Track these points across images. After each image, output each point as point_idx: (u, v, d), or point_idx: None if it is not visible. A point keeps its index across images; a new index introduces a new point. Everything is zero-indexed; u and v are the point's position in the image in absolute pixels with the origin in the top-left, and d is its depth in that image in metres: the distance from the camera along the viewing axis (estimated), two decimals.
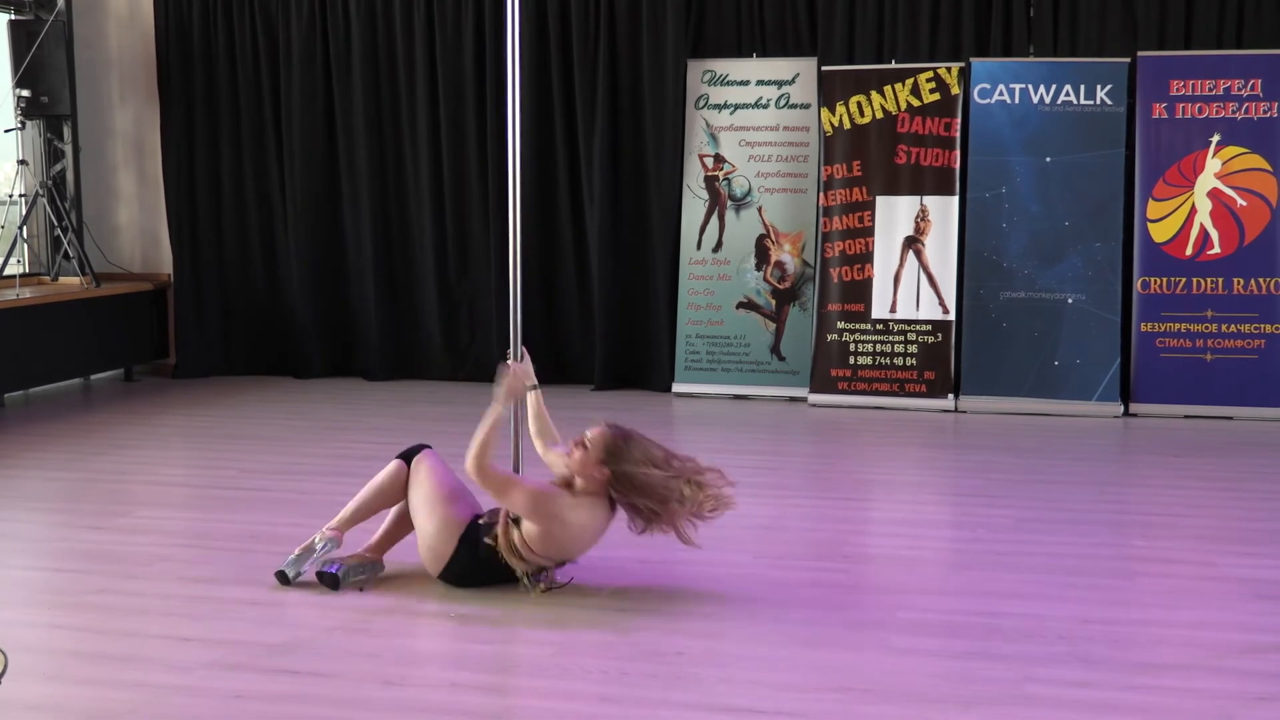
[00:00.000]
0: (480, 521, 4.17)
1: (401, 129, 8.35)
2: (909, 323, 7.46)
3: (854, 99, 7.57)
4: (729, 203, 7.89)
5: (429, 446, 4.39)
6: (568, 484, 4.10)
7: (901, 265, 7.50)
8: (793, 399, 7.69)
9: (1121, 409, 7.19)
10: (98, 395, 8.13)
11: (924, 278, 7.47)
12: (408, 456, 4.35)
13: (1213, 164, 7.22)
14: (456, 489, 4.25)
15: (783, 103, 7.85)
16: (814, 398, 7.57)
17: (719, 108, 7.92)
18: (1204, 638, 3.77)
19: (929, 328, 7.44)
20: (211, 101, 8.58)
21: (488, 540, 4.09)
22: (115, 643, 3.77)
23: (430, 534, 4.17)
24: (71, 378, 8.34)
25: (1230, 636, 3.78)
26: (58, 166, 8.39)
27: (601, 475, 4.01)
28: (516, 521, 4.07)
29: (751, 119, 7.88)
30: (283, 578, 4.22)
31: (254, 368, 8.71)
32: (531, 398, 4.47)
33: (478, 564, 4.09)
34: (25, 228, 8.28)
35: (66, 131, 8.48)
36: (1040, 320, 7.30)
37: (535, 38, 7.93)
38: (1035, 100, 7.35)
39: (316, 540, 4.28)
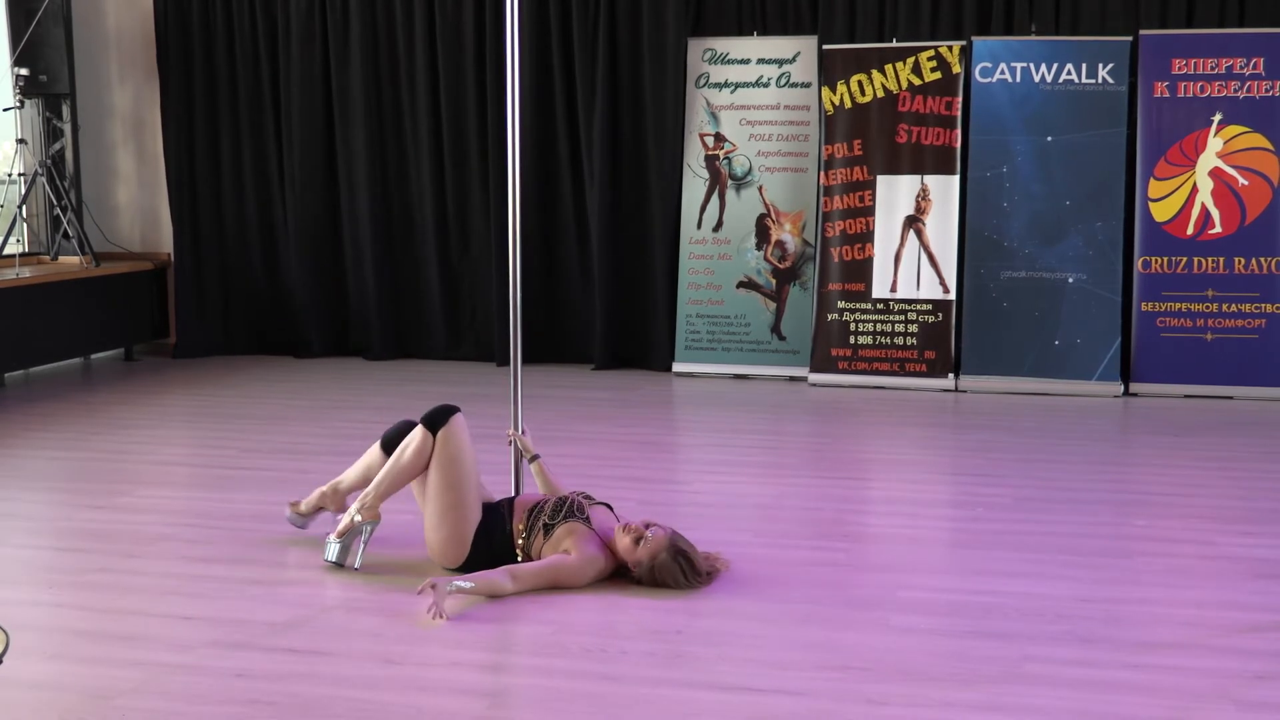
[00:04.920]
0: (499, 513, 4.14)
1: (401, 107, 8.33)
2: (909, 302, 7.46)
3: (855, 78, 7.55)
4: (729, 182, 7.87)
5: (456, 410, 4.19)
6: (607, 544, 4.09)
7: (902, 244, 7.49)
8: (793, 378, 7.69)
9: (1122, 388, 7.19)
10: (98, 375, 8.14)
11: (924, 257, 7.46)
12: (433, 424, 4.15)
13: (1214, 143, 7.20)
14: (477, 481, 4.17)
15: (783, 81, 7.83)
16: (814, 377, 7.57)
17: (719, 86, 7.90)
18: (1203, 617, 3.78)
19: (929, 307, 7.43)
20: (210, 80, 8.55)
21: (503, 536, 4.10)
22: (116, 621, 3.78)
23: (443, 537, 4.11)
24: (71, 357, 8.33)
25: (1229, 615, 3.79)
26: (57, 145, 8.37)
27: (633, 567, 4.00)
28: (547, 530, 4.05)
29: (752, 98, 7.86)
30: (337, 566, 4.18)
31: (254, 347, 8.71)
32: (535, 468, 4.44)
33: (487, 563, 4.07)
34: (24, 207, 8.26)
35: (65, 110, 8.45)
36: (1041, 300, 7.30)
37: (535, 16, 7.90)
38: (1037, 79, 7.33)
39: (356, 519, 4.18)
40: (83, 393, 7.56)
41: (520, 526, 4.09)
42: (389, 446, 4.31)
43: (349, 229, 8.46)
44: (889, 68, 7.51)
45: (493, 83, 8.01)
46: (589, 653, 3.51)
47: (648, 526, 4.01)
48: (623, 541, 4.01)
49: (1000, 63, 7.37)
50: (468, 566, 4.09)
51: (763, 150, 7.84)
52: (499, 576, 3.94)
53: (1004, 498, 5.10)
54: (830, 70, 7.60)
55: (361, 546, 4.21)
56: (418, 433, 4.17)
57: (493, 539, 4.10)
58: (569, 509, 4.08)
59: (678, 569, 3.96)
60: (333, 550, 4.21)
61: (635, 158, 8.03)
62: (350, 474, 4.46)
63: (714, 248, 7.87)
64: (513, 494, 4.39)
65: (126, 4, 8.73)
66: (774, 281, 7.80)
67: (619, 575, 4.05)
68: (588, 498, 4.19)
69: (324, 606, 3.87)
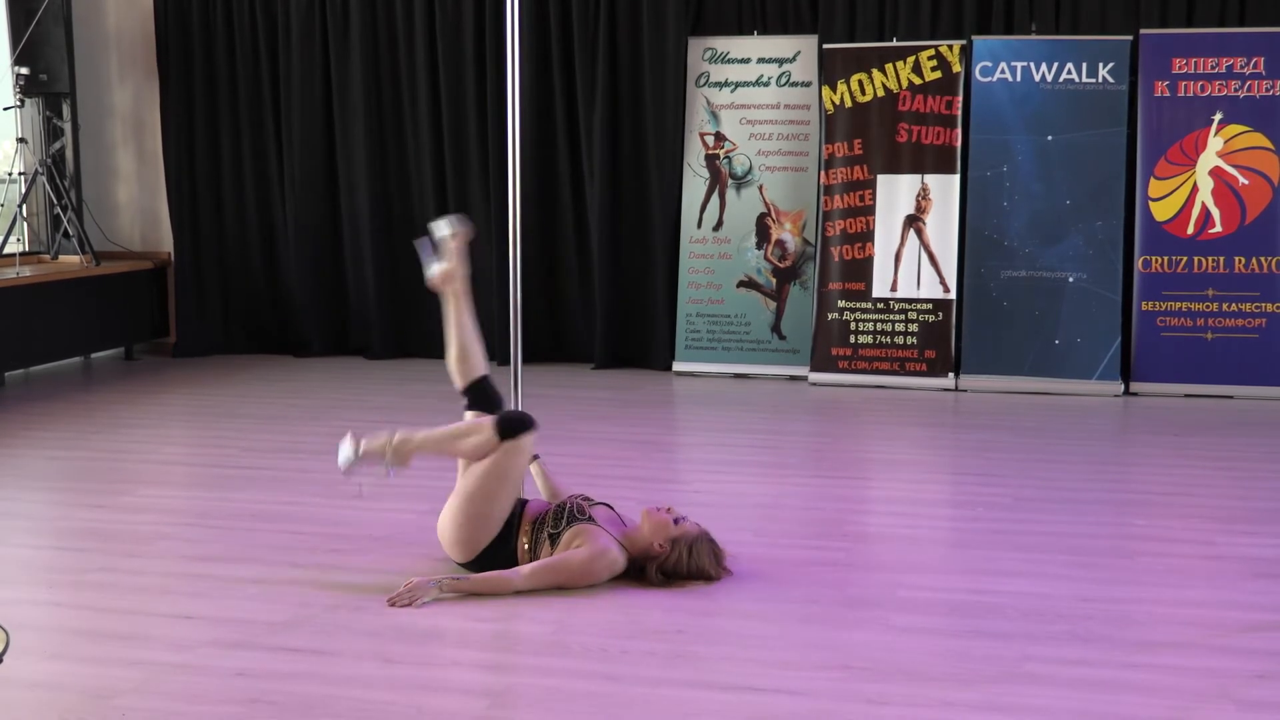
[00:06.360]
0: (510, 526, 4.10)
1: (401, 107, 8.33)
2: (910, 301, 7.46)
3: (855, 77, 7.55)
4: (730, 181, 7.87)
5: (532, 427, 4.10)
6: (623, 534, 4.09)
7: (902, 244, 7.49)
8: (793, 378, 7.69)
9: (1122, 388, 7.19)
10: (98, 374, 8.14)
11: (925, 256, 7.46)
12: (508, 432, 4.04)
13: (1214, 142, 7.20)
14: (512, 500, 4.10)
15: (784, 81, 7.83)
16: (814, 376, 7.57)
17: (720, 86, 7.89)
18: (1203, 616, 3.78)
19: (930, 306, 7.43)
20: (210, 79, 8.55)
21: (511, 546, 4.08)
22: (117, 621, 3.78)
23: (455, 538, 4.08)
24: (72, 356, 8.33)
25: (1229, 615, 3.79)
26: (57, 145, 8.37)
27: (660, 549, 4.00)
28: (553, 540, 4.03)
29: (752, 97, 7.86)
30: (345, 465, 4.08)
31: (254, 347, 8.71)
32: (534, 468, 4.40)
33: (492, 565, 4.07)
34: (25, 206, 8.26)
35: (65, 109, 8.45)
36: (1041, 299, 7.29)
37: (535, 15, 7.90)
38: (1037, 78, 7.33)
39: (388, 454, 4.07)
40: (83, 392, 7.56)
41: (525, 542, 4.07)
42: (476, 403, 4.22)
43: (349, 228, 8.45)
44: (889, 67, 7.50)
45: (493, 82, 8.01)
46: (589, 652, 3.51)
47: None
48: (657, 518, 4.02)
49: (1000, 62, 7.37)
50: (470, 567, 4.09)
51: (763, 149, 7.84)
52: (505, 574, 3.95)
53: (1004, 498, 5.10)
54: (830, 69, 7.60)
55: (373, 478, 4.19)
56: (488, 430, 4.07)
57: (499, 549, 4.08)
58: (570, 514, 4.07)
59: (709, 555, 4.03)
60: (346, 453, 4.07)
61: (635, 157, 8.03)
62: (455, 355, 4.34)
63: (714, 247, 7.87)
64: (526, 498, 4.35)
65: (126, 4, 8.73)
66: (774, 281, 7.80)
67: (623, 576, 4.04)
68: (586, 499, 4.19)
69: (324, 605, 3.87)
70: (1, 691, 3.24)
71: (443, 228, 4.40)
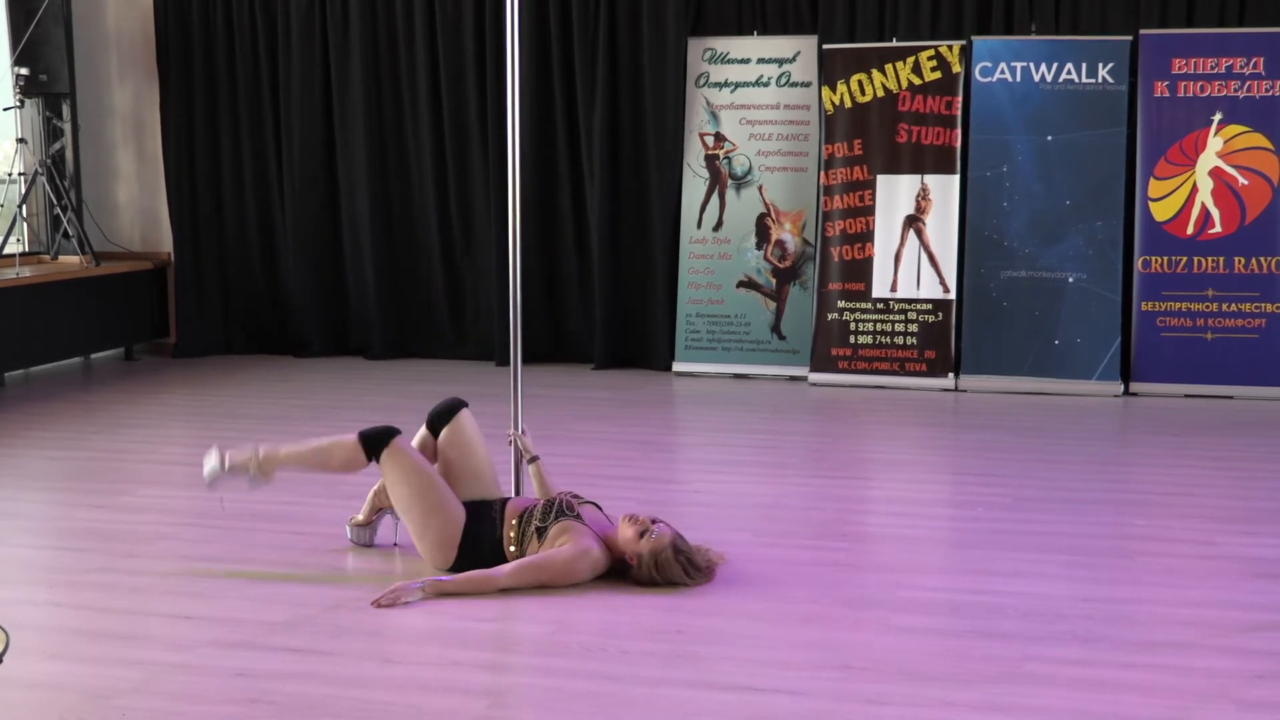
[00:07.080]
0: (489, 518, 4.11)
1: (402, 107, 8.33)
2: (909, 302, 7.46)
3: (855, 77, 7.55)
4: (729, 181, 7.87)
5: (397, 433, 4.17)
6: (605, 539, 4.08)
7: (902, 244, 7.49)
8: (793, 378, 7.69)
9: (1121, 388, 7.19)
10: (98, 374, 8.14)
11: (924, 257, 7.46)
12: (373, 446, 4.12)
13: (1214, 143, 7.20)
14: (440, 484, 4.13)
15: (783, 81, 7.83)
16: (814, 377, 7.57)
17: (719, 86, 7.89)
18: (1203, 616, 3.78)
19: (929, 307, 7.43)
20: (210, 79, 8.55)
21: (496, 540, 4.08)
22: (116, 621, 3.78)
23: (428, 544, 4.09)
24: (72, 357, 8.33)
25: (1229, 615, 3.79)
26: (57, 145, 8.37)
27: (631, 561, 4.00)
28: (540, 534, 4.03)
29: (752, 97, 7.86)
30: (209, 478, 4.21)
31: (254, 347, 8.70)
32: (533, 469, 4.43)
33: (476, 568, 4.07)
34: (24, 206, 8.26)
35: (65, 110, 8.45)
36: (1041, 299, 7.30)
37: (535, 15, 7.90)
38: (1037, 79, 7.33)
39: (251, 470, 4.18)
40: (83, 392, 7.56)
41: (511, 534, 4.07)
42: (435, 426, 4.29)
43: (349, 229, 8.45)
44: (889, 67, 7.50)
45: (493, 83, 8.01)
46: (589, 652, 3.51)
47: (654, 522, 4.03)
48: (627, 531, 4.01)
49: (1000, 62, 7.37)
50: (457, 569, 4.08)
51: (763, 150, 7.84)
52: (488, 572, 3.96)
53: (1004, 498, 5.10)
54: (830, 70, 7.60)
55: (236, 492, 4.30)
56: (353, 444, 4.15)
57: (481, 545, 4.08)
58: (559, 509, 4.07)
59: (679, 567, 3.98)
60: (211, 466, 4.19)
61: (635, 157, 8.03)
62: None
63: (714, 247, 7.87)
64: (509, 495, 4.37)
65: (126, 4, 8.73)
66: (774, 281, 7.80)
67: (620, 575, 4.04)
68: (576, 497, 4.19)
69: (324, 606, 3.87)
70: (1, 691, 3.24)
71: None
